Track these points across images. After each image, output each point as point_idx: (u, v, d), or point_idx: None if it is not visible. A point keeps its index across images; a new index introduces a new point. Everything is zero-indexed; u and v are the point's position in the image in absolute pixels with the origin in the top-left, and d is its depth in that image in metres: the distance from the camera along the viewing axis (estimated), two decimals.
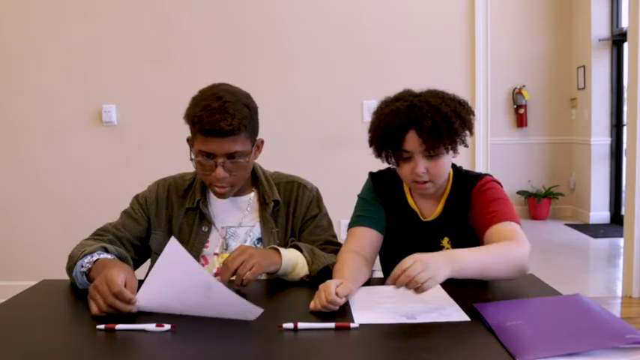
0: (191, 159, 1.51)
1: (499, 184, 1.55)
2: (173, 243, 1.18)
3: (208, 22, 3.37)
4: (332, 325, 1.14)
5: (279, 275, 1.46)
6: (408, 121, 1.41)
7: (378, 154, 1.51)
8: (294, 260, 1.46)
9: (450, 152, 1.47)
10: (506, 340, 1.05)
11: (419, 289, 1.16)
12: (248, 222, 1.62)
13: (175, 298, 1.22)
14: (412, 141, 1.42)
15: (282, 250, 1.46)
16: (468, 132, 1.49)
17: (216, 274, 1.52)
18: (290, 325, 1.13)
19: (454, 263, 1.22)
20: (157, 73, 3.35)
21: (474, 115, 1.51)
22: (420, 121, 1.40)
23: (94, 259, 1.40)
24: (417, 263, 1.17)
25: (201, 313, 1.22)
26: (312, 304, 1.24)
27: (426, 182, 1.47)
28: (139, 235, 1.61)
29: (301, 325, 1.14)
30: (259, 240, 1.61)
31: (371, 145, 1.51)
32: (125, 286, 1.23)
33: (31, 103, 3.39)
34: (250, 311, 1.16)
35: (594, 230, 5.43)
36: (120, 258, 1.47)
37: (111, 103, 3.37)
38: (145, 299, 1.24)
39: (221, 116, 1.41)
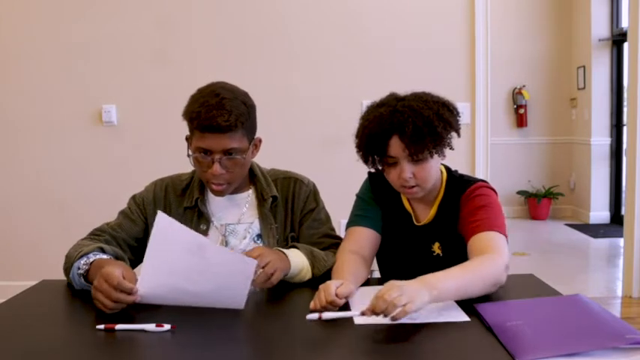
0: (188, 155, 1.52)
1: (492, 190, 1.52)
2: (162, 216, 1.24)
3: (208, 22, 3.37)
4: (357, 313, 1.14)
5: (285, 278, 1.46)
6: (390, 127, 1.40)
7: (365, 160, 1.50)
8: (300, 265, 1.47)
9: (437, 156, 1.45)
10: (506, 340, 1.05)
11: (398, 314, 1.10)
12: (247, 219, 1.63)
13: (174, 278, 1.24)
14: (396, 147, 1.41)
15: (289, 253, 1.46)
16: (454, 134, 1.46)
17: None
18: (315, 316, 1.15)
19: (432, 290, 1.17)
20: (157, 73, 3.35)
21: (459, 116, 1.48)
22: (402, 126, 1.39)
23: (91, 260, 1.40)
24: (393, 289, 1.12)
25: (200, 293, 1.25)
26: (312, 304, 1.24)
27: (413, 187, 1.46)
28: (135, 236, 1.61)
29: (326, 315, 1.15)
30: (259, 236, 1.61)
31: (358, 151, 1.50)
32: (123, 278, 1.24)
33: (31, 103, 3.39)
34: (246, 266, 1.22)
35: (594, 230, 5.43)
36: (116, 258, 1.47)
37: (111, 103, 3.37)
38: (144, 287, 1.25)
39: (218, 112, 1.42)
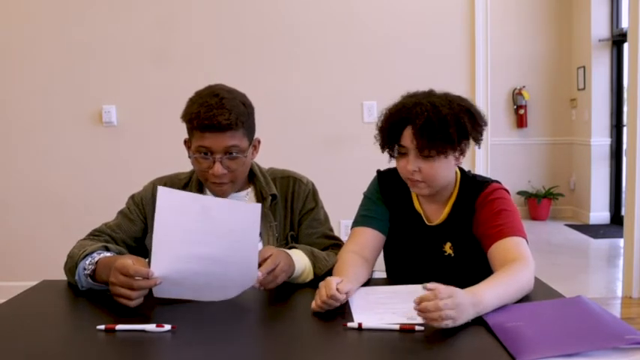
0: (190, 157, 1.52)
1: (506, 191, 1.52)
2: (162, 190, 1.26)
3: (208, 22, 3.37)
4: (396, 326, 1.12)
5: (289, 280, 1.45)
6: (407, 117, 1.43)
7: (381, 146, 1.51)
8: (303, 266, 1.46)
9: (451, 158, 1.45)
10: (507, 340, 1.05)
11: (434, 321, 1.09)
12: None
13: (187, 246, 1.26)
14: (407, 137, 1.43)
15: (293, 255, 1.45)
16: (469, 141, 1.46)
17: None
18: (354, 325, 1.14)
19: (479, 307, 1.15)
20: (157, 73, 3.35)
21: (483, 127, 1.48)
22: (417, 118, 1.41)
23: (96, 259, 1.40)
24: (451, 299, 1.09)
25: (216, 255, 1.26)
26: (313, 303, 1.24)
27: (419, 182, 1.46)
28: (134, 236, 1.61)
29: (366, 324, 1.13)
30: (259, 234, 1.60)
31: (377, 134, 1.52)
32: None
33: (31, 103, 3.39)
34: (251, 210, 1.27)
35: (594, 230, 5.43)
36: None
37: (111, 103, 3.37)
38: (159, 267, 1.25)
39: (218, 111, 1.43)
